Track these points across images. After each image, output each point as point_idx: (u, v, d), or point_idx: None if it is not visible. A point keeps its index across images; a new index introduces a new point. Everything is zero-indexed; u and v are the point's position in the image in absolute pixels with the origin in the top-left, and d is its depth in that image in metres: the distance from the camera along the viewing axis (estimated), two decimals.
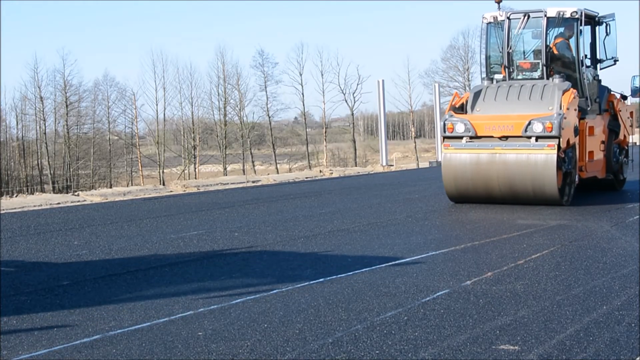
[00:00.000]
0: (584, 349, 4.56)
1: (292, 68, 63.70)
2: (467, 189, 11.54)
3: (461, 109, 11.99)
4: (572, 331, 4.92)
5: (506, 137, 11.18)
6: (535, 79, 11.94)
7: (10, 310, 5.70)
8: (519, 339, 4.77)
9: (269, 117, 53.74)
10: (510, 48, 12.08)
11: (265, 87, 53.25)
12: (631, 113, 13.87)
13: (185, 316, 5.44)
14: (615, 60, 12.90)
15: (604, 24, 12.66)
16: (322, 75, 54.23)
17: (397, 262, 7.38)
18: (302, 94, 54.12)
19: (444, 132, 11.61)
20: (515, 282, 6.36)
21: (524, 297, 5.83)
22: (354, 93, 54.33)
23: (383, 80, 22.12)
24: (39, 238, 9.42)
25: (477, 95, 11.95)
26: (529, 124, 10.95)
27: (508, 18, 12.02)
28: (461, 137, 11.46)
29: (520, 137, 11.07)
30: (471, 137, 11.42)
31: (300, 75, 54.00)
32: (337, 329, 5.04)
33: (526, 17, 11.94)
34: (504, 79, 12.16)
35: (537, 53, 12.09)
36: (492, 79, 12.20)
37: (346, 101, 54.51)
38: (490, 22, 12.31)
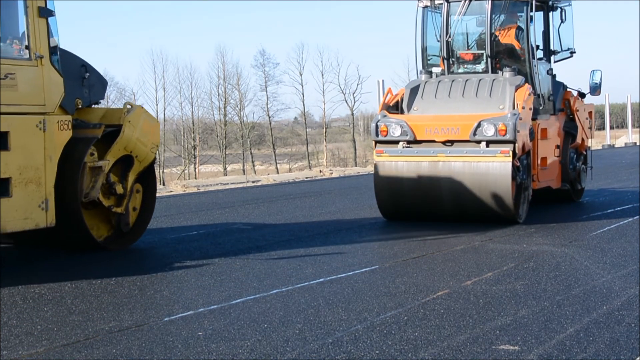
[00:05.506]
0: (584, 349, 4.56)
1: (293, 68, 63.74)
2: (405, 203, 9.89)
3: (396, 108, 10.27)
4: (572, 331, 4.93)
5: (451, 142, 9.55)
6: (478, 72, 10.37)
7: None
8: (519, 339, 4.78)
9: (269, 117, 53.77)
10: (450, 37, 10.43)
11: (266, 87, 53.32)
12: (590, 113, 12.17)
13: (185, 316, 5.44)
14: (572, 52, 11.40)
15: (559, 10, 11.14)
16: (322, 75, 54.25)
17: (396, 261, 7.39)
18: (302, 94, 54.17)
19: (377, 135, 9.83)
20: (515, 282, 6.36)
21: (524, 297, 5.83)
22: (354, 93, 54.40)
23: (383, 80, 22.08)
24: None
25: (414, 91, 10.25)
26: (479, 125, 9.32)
27: (447, 1, 10.38)
28: (397, 142, 9.75)
29: (467, 141, 9.46)
30: (409, 142, 9.71)
31: (301, 75, 54.03)
32: (337, 329, 5.05)
33: (467, 0, 10.33)
34: (442, 73, 10.51)
35: (480, 43, 10.56)
36: (430, 73, 10.53)
37: (346, 101, 54.59)
38: (426, 7, 10.67)
